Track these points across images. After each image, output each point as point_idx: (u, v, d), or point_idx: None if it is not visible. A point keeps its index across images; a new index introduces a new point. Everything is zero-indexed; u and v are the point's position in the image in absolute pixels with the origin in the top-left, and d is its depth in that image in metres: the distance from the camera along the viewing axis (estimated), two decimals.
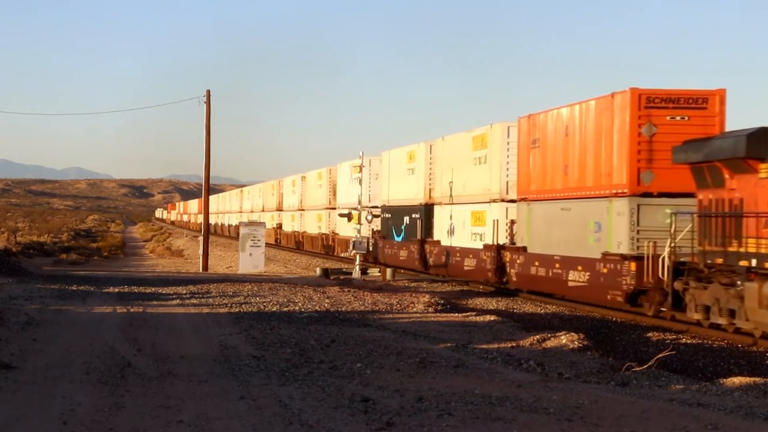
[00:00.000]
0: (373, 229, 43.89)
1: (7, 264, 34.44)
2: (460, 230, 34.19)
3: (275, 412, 10.39)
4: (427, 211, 37.71)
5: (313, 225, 60.53)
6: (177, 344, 16.14)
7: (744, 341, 19.72)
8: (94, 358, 14.27)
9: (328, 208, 56.32)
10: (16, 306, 21.08)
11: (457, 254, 34.04)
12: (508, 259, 29.72)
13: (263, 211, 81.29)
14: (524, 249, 28.61)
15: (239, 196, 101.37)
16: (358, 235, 38.56)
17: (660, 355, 15.74)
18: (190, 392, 11.55)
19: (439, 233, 36.37)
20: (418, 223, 38.03)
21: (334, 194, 55.18)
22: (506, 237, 30.28)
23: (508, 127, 30.56)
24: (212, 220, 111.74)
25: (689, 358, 18.01)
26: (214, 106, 44.90)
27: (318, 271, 38.59)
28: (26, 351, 14.80)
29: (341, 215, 40.60)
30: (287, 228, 69.63)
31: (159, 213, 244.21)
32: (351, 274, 37.40)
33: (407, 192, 40.14)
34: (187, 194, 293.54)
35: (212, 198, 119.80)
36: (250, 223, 43.48)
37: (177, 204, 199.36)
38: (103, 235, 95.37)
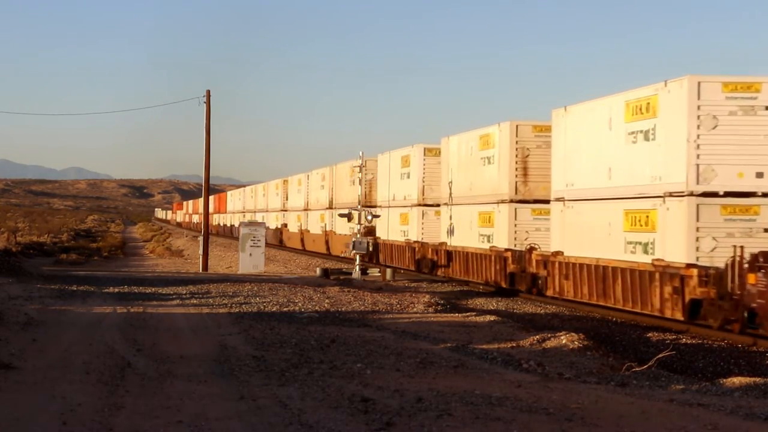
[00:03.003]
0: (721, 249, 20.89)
1: (7, 264, 34.40)
2: None
3: (275, 412, 10.40)
4: None
5: (471, 235, 33.91)
6: (177, 344, 16.14)
7: (744, 341, 19.72)
8: (94, 358, 14.27)
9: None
10: (16, 306, 21.07)
11: None
12: None
13: (330, 208, 54.82)
14: None
15: (281, 189, 72.58)
16: (358, 236, 38.55)
17: (660, 355, 15.75)
18: (189, 392, 11.55)
19: None
20: None
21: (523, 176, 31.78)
22: None
23: None
24: (235, 221, 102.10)
25: (689, 358, 18.03)
26: (214, 106, 44.93)
27: (318, 271, 38.61)
28: (26, 351, 14.80)
29: (341, 215, 40.46)
30: (393, 236, 42.81)
31: (161, 213, 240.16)
32: (351, 274, 37.43)
33: None
34: (187, 194, 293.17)
35: (236, 193, 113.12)
36: (250, 223, 43.56)
37: (184, 203, 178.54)
38: (102, 235, 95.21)
